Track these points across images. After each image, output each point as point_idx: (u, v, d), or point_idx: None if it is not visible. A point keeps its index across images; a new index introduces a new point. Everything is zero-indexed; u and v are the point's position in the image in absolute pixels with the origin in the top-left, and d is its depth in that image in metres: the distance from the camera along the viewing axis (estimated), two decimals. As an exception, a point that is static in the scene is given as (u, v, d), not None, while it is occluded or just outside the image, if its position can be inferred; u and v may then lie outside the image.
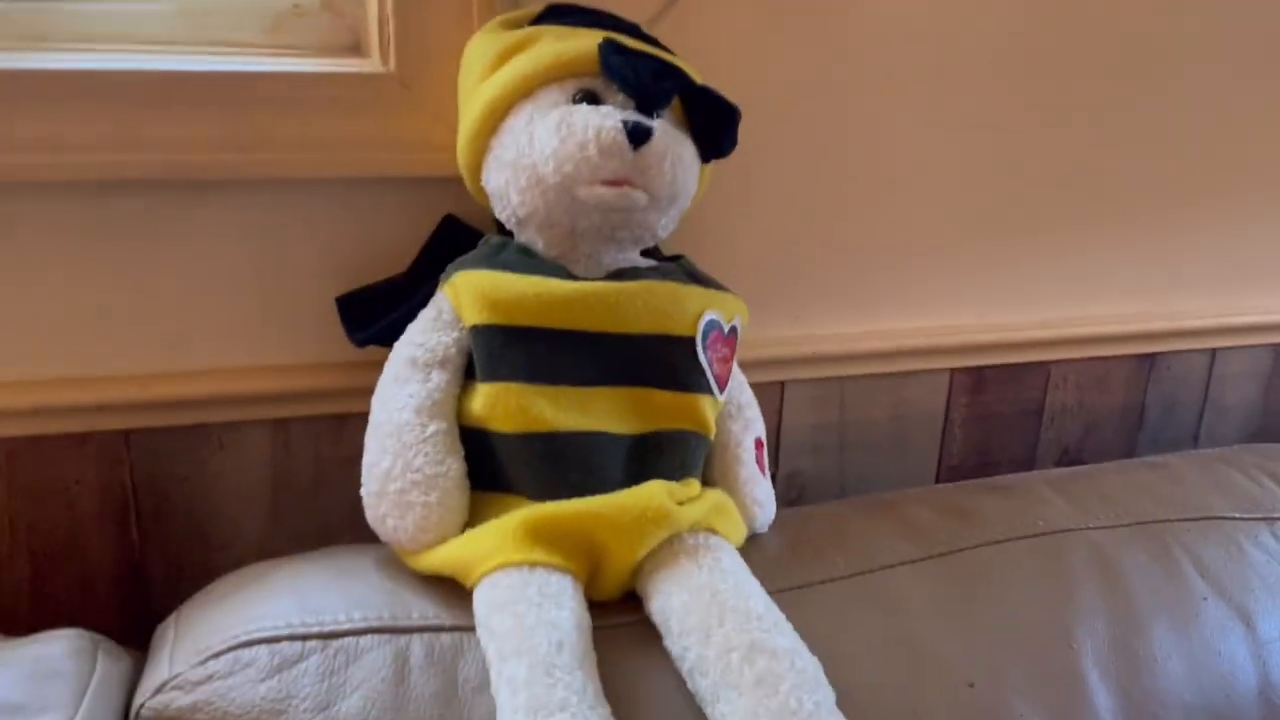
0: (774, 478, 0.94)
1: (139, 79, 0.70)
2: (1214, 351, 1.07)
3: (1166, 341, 1.04)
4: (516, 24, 0.72)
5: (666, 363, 0.67)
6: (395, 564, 0.67)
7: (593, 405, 0.66)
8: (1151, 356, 1.04)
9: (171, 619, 0.67)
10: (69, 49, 0.73)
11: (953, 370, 0.97)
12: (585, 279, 0.67)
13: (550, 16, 0.72)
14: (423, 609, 0.63)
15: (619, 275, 0.68)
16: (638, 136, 0.64)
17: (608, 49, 0.66)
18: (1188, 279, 1.04)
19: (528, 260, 0.68)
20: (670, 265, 0.71)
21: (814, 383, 0.93)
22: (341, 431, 0.81)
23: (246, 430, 0.79)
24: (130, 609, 0.80)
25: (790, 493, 0.96)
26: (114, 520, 0.78)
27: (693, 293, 0.68)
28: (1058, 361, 1.01)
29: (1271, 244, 1.06)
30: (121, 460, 0.77)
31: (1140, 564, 0.73)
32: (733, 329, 0.71)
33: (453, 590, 0.64)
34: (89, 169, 0.71)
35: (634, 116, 0.64)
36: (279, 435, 0.80)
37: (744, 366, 0.78)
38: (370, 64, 0.76)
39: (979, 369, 0.98)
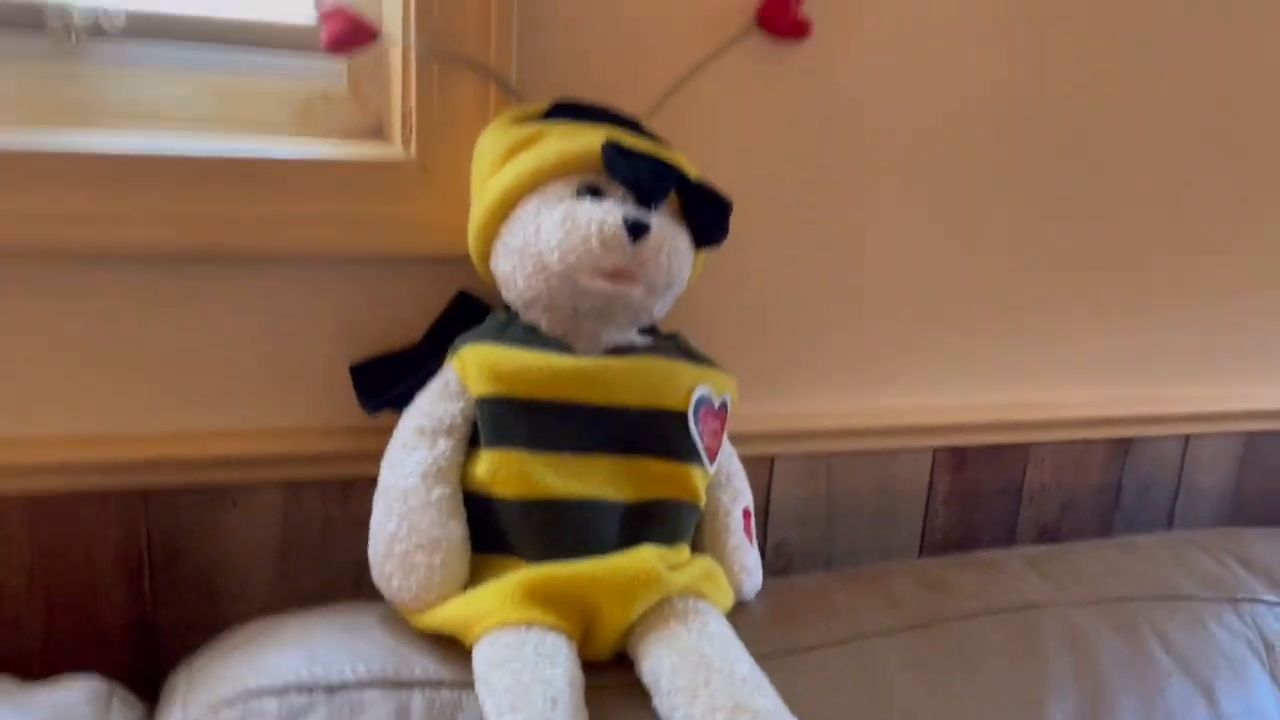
0: (763, 548, 0.98)
1: (175, 160, 0.75)
2: (1187, 437, 1.11)
3: (1141, 426, 1.08)
4: (525, 119, 0.77)
5: (660, 434, 0.71)
6: (398, 622, 0.70)
7: (590, 473, 0.69)
8: (1127, 441, 1.08)
9: (183, 669, 0.70)
10: (107, 128, 0.78)
11: (935, 449, 1.01)
12: (585, 355, 0.72)
13: (557, 112, 0.77)
14: (424, 665, 0.66)
15: (617, 351, 0.73)
16: (637, 232, 0.68)
17: (610, 150, 0.71)
18: (1162, 366, 1.09)
19: (532, 336, 0.72)
20: (665, 342, 0.76)
21: (802, 457, 0.97)
22: (350, 494, 0.84)
23: (259, 491, 0.83)
24: (139, 662, 0.82)
25: (778, 562, 0.99)
26: (128, 575, 0.81)
27: (685, 369, 0.73)
28: (1036, 443, 1.05)
29: (1243, 334, 1.11)
30: (138, 517, 0.80)
31: (1109, 640, 0.76)
32: (723, 403, 0.75)
33: (453, 648, 0.67)
34: (122, 242, 0.75)
35: (633, 212, 0.69)
36: (290, 496, 0.83)
37: (735, 440, 0.82)
38: (393, 149, 0.81)
39: (961, 448, 1.02)
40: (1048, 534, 1.09)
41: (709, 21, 0.84)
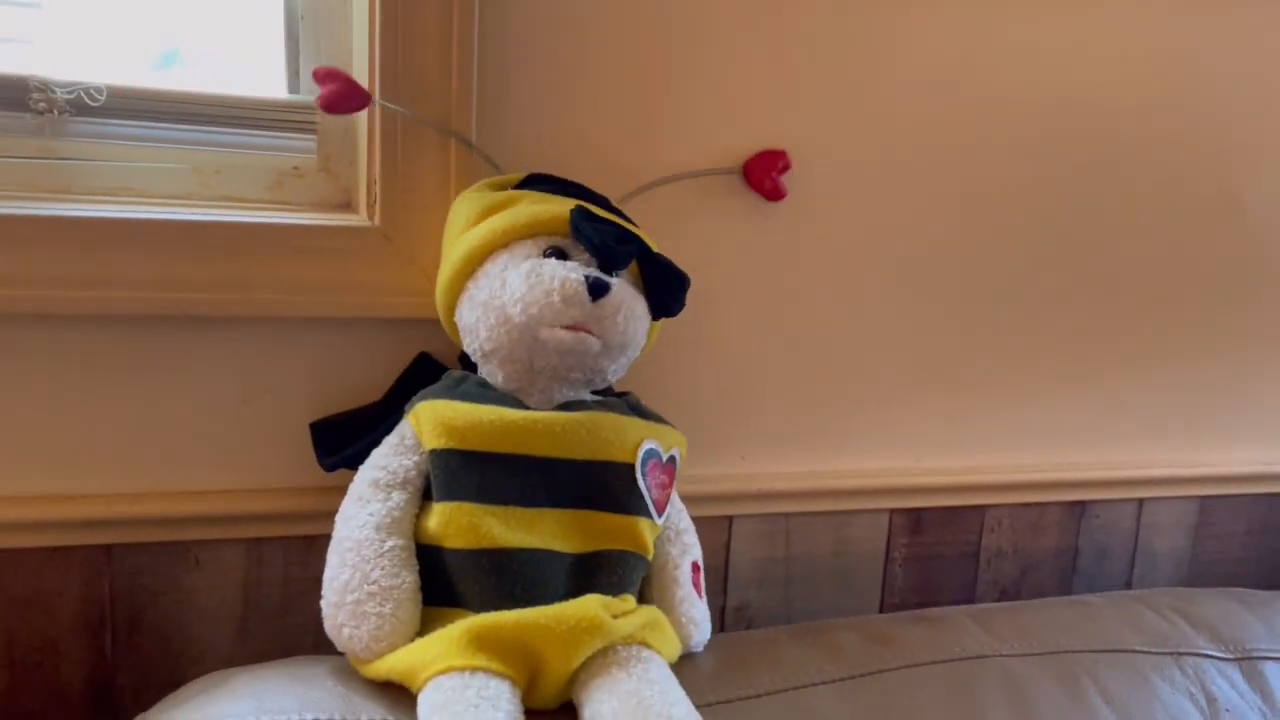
0: (723, 610, 0.99)
1: (152, 227, 0.78)
2: (1141, 501, 1.13)
3: (1095, 490, 1.10)
4: (502, 186, 0.81)
5: (608, 487, 0.73)
6: (349, 672, 0.72)
7: (539, 525, 0.72)
8: (1082, 504, 1.10)
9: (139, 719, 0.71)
10: (91, 200, 0.82)
11: (892, 511, 1.03)
12: (536, 410, 0.74)
13: (531, 183, 0.81)
14: (371, 711, 0.67)
15: (567, 407, 0.75)
16: (597, 290, 0.72)
17: (578, 214, 0.75)
18: (1115, 431, 1.11)
19: (484, 391, 0.75)
20: (614, 400, 0.79)
21: (760, 518, 0.99)
22: (310, 552, 0.86)
23: (222, 549, 0.84)
24: (97, 721, 0.84)
25: (739, 625, 1.00)
26: (90, 633, 0.82)
27: (633, 424, 0.75)
28: (992, 506, 1.07)
29: (1195, 399, 1.14)
30: (102, 574, 0.82)
31: (1048, 691, 0.77)
32: (671, 458, 0.78)
33: (402, 695, 0.68)
34: (104, 304, 0.78)
35: (595, 273, 0.73)
36: (252, 554, 0.85)
37: (692, 499, 0.84)
38: (358, 219, 0.85)
39: (917, 510, 1.04)
40: (1007, 598, 1.10)
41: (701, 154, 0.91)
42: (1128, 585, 1.14)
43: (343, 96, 0.80)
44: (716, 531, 0.97)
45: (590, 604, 0.69)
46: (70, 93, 0.81)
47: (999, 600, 1.09)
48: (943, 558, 1.06)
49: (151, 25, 0.87)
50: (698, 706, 0.68)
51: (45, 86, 0.81)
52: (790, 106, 0.93)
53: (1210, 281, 1.12)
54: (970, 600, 1.08)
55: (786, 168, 0.92)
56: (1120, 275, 1.08)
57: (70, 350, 0.79)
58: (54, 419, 0.80)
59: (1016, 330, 1.05)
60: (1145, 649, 0.83)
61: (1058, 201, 1.04)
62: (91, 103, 0.82)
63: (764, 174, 0.91)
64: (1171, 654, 0.84)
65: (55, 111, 0.81)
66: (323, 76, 0.80)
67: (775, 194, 0.92)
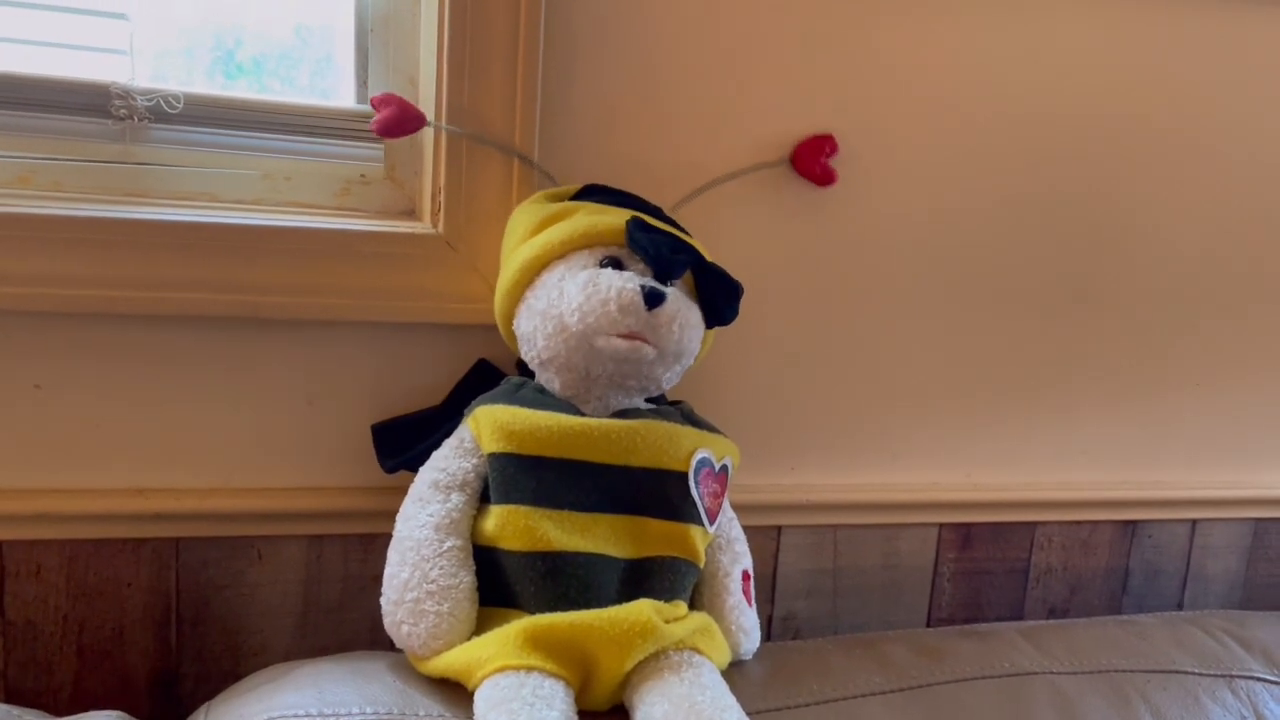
0: (770, 619, 1.00)
1: (224, 231, 0.81)
2: (1194, 522, 1.12)
3: (1148, 510, 1.09)
4: (558, 198, 0.83)
5: (661, 494, 0.75)
6: (407, 669, 0.74)
7: (593, 530, 0.73)
8: (1133, 524, 1.10)
9: (203, 708, 0.73)
10: (167, 204, 0.84)
11: (941, 525, 1.03)
12: (592, 417, 0.76)
13: (587, 194, 0.83)
14: (428, 707, 0.69)
15: (622, 414, 0.77)
16: (652, 299, 0.73)
17: (634, 225, 0.77)
18: (1169, 450, 1.10)
19: (542, 398, 0.77)
20: (669, 408, 0.80)
21: (809, 529, 0.99)
22: (369, 550, 0.88)
23: (284, 545, 0.87)
24: (160, 711, 0.86)
25: (785, 635, 1.01)
26: (156, 623, 0.85)
27: (687, 433, 0.77)
28: (1042, 523, 1.06)
29: (1249, 421, 1.12)
30: (169, 566, 0.85)
31: (1099, 709, 0.77)
32: (723, 467, 0.79)
33: (458, 692, 0.70)
34: (177, 305, 0.81)
35: (651, 283, 0.74)
36: (313, 551, 0.88)
37: (743, 509, 0.86)
38: (422, 226, 0.87)
39: (966, 525, 1.04)
40: (1056, 616, 1.09)
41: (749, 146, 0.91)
42: (1179, 607, 1.13)
43: (397, 121, 0.82)
44: (765, 541, 0.98)
45: (643, 608, 0.70)
46: (150, 100, 0.84)
47: (1047, 618, 1.09)
48: (991, 574, 1.06)
49: (227, 37, 0.90)
50: (747, 714, 0.69)
51: (126, 94, 0.84)
52: (834, 95, 0.93)
53: (1271, 299, 1.10)
54: (1018, 617, 1.08)
55: (834, 151, 0.92)
56: (1178, 292, 1.07)
57: (144, 349, 0.82)
58: (128, 416, 0.83)
59: (1072, 346, 1.05)
60: (1197, 670, 0.83)
61: (1114, 213, 1.03)
62: (170, 110, 0.84)
63: (813, 159, 0.91)
64: (1224, 676, 0.83)
65: (135, 118, 0.84)
66: (378, 102, 0.83)
67: (825, 178, 0.92)
